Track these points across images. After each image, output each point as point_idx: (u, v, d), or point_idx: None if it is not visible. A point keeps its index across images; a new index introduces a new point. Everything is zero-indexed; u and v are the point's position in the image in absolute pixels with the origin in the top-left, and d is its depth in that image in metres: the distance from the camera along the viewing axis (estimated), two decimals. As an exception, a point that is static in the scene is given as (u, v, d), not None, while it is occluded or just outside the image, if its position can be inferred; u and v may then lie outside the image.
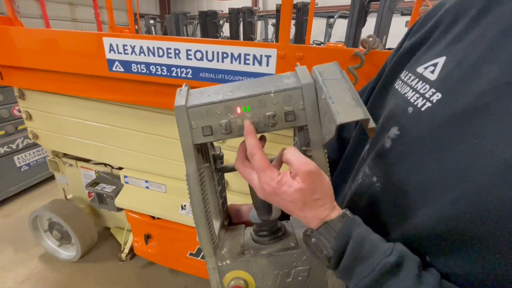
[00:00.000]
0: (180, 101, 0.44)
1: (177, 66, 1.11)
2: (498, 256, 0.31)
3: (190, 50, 1.06)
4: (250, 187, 0.50)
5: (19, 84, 1.54)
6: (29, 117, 1.66)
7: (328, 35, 4.73)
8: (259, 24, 6.69)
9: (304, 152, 0.45)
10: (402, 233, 0.41)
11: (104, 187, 1.74)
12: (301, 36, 4.02)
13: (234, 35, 4.72)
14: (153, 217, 1.59)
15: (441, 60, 0.41)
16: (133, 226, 1.68)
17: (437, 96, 0.39)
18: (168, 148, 1.42)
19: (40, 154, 2.74)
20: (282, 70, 0.88)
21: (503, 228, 0.30)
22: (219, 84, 0.48)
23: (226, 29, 5.08)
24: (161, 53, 1.10)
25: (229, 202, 0.68)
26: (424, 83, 0.42)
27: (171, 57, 1.10)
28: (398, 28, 2.97)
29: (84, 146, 1.63)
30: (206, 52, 1.05)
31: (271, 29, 5.85)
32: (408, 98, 0.44)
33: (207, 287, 0.60)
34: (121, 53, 1.15)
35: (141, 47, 1.11)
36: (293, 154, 0.42)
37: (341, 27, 4.31)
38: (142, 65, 1.14)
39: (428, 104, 0.40)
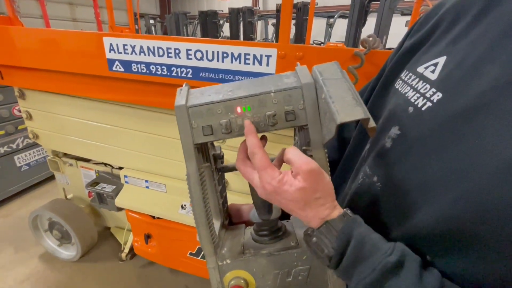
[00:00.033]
0: (180, 100, 0.44)
1: (177, 66, 1.10)
2: (498, 256, 0.31)
3: (190, 50, 1.06)
4: (250, 186, 0.50)
5: (19, 84, 1.54)
6: (29, 117, 1.66)
7: (328, 35, 4.73)
8: (259, 24, 6.68)
9: (305, 152, 0.45)
10: (402, 232, 0.41)
11: (104, 187, 1.74)
12: (301, 36, 4.01)
13: (234, 35, 4.71)
14: (153, 217, 1.59)
15: (441, 60, 0.41)
16: (133, 226, 1.68)
17: (438, 96, 0.39)
18: (168, 148, 1.42)
19: (40, 154, 2.74)
20: (282, 70, 0.87)
21: (503, 228, 0.30)
22: (220, 84, 0.48)
23: (226, 29, 5.07)
24: (161, 53, 1.10)
25: (229, 202, 0.68)
26: (424, 83, 0.42)
27: (171, 57, 1.09)
28: (398, 28, 2.97)
29: (84, 146, 1.63)
30: (206, 52, 1.05)
31: (271, 29, 5.85)
32: (409, 97, 0.44)
33: (207, 287, 0.60)
34: (121, 53, 1.15)
35: (141, 47, 1.11)
36: (294, 154, 0.42)
37: (341, 27, 4.31)
38: (142, 65, 1.14)
39: (429, 103, 0.40)
